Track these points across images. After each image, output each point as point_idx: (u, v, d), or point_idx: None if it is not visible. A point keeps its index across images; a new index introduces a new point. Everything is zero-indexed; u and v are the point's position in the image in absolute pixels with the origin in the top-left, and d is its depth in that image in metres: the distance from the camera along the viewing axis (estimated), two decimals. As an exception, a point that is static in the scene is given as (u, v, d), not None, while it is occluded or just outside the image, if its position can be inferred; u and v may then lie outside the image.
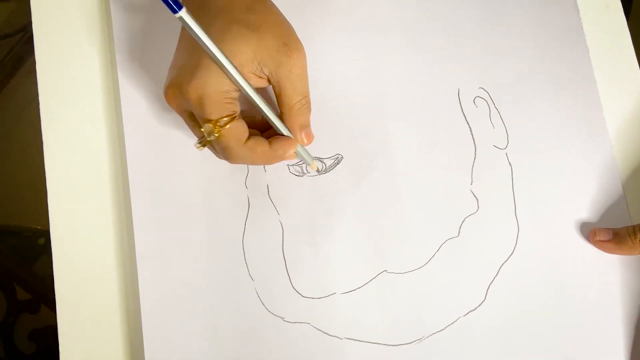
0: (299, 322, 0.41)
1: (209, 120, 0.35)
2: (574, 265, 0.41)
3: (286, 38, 0.36)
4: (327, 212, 0.42)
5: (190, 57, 0.36)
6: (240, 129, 0.36)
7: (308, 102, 0.38)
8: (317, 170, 0.43)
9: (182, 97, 0.36)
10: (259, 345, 0.41)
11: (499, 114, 0.43)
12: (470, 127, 0.43)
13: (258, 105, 0.37)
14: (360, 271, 0.41)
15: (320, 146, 0.43)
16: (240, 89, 0.36)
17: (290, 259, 0.42)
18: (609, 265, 0.41)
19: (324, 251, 0.42)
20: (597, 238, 0.41)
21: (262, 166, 0.43)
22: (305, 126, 0.40)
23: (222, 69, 0.34)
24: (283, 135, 0.39)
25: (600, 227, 0.41)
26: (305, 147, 0.41)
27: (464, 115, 0.43)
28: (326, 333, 0.41)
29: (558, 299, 0.41)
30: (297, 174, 0.43)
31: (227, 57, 0.34)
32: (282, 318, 0.41)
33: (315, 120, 0.43)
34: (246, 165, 0.43)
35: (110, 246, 0.43)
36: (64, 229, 0.43)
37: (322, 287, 0.41)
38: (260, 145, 0.37)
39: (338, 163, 0.43)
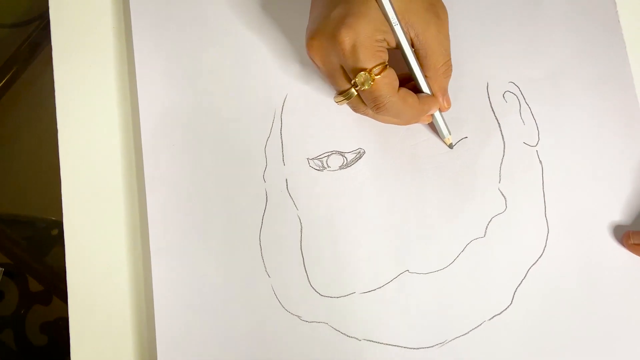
0: (316, 322, 0.39)
1: (363, 69, 0.34)
2: (606, 270, 0.39)
3: None
4: (347, 208, 0.41)
5: (338, 8, 0.35)
6: (392, 77, 0.36)
7: (450, 66, 0.38)
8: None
9: (331, 47, 0.35)
10: (274, 344, 0.39)
11: (530, 109, 0.41)
12: (499, 123, 0.41)
13: (408, 58, 0.36)
14: (381, 270, 0.40)
15: (341, 139, 0.42)
16: (394, 36, 0.35)
17: (308, 256, 0.40)
18: (644, 271, 0.39)
19: (344, 249, 0.40)
20: (632, 241, 0.39)
21: (281, 159, 0.42)
22: (446, 90, 0.39)
23: (383, 14, 0.34)
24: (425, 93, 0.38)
25: (634, 230, 0.39)
26: (443, 116, 0.40)
27: (493, 110, 0.42)
28: (344, 334, 0.39)
29: (588, 305, 0.39)
30: (317, 168, 0.42)
31: (391, 2, 0.34)
32: (298, 317, 0.40)
33: (336, 113, 0.42)
34: (264, 158, 0.42)
35: (124, 239, 0.42)
36: (78, 222, 0.42)
37: (340, 286, 0.40)
38: (411, 96, 0.37)
39: (360, 158, 0.42)
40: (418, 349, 0.39)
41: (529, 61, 0.42)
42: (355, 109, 0.39)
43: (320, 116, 0.42)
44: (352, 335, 0.39)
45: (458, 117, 0.42)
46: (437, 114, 0.40)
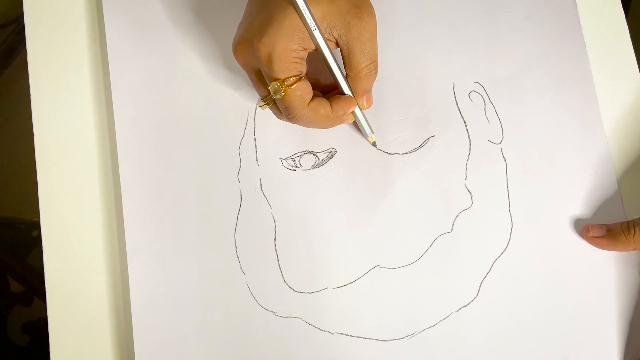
0: (291, 317, 0.41)
1: (276, 79, 0.35)
2: (567, 262, 0.41)
3: (358, 0, 0.36)
4: (319, 206, 0.42)
5: (261, 14, 0.36)
6: (305, 89, 0.36)
7: (376, 67, 0.38)
8: (312, 160, 0.42)
9: (251, 54, 0.36)
10: (250, 339, 0.40)
11: (494, 108, 0.43)
12: (465, 122, 0.43)
13: (327, 61, 0.37)
14: (353, 266, 0.41)
15: (313, 140, 0.43)
16: (313, 41, 0.36)
17: (282, 254, 0.42)
18: (603, 262, 0.41)
19: (316, 246, 0.41)
20: (591, 234, 0.40)
21: (255, 159, 0.43)
22: (367, 90, 0.40)
23: (301, 19, 0.35)
24: (344, 94, 0.39)
25: (593, 223, 0.41)
26: (365, 114, 0.41)
27: (459, 109, 0.43)
28: (318, 328, 0.40)
29: (551, 296, 0.40)
30: (290, 167, 0.43)
31: (308, 7, 0.34)
32: (273, 312, 0.41)
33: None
34: (239, 158, 0.43)
35: (101, 239, 0.43)
36: (55, 222, 0.43)
37: (314, 281, 0.41)
38: (322, 107, 0.38)
39: (332, 157, 0.43)
40: (389, 340, 0.40)
41: (493, 62, 0.43)
42: (276, 115, 0.40)
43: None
44: (326, 329, 0.41)
45: (426, 116, 0.43)
46: (358, 114, 0.40)
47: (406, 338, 0.40)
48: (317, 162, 0.43)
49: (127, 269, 0.41)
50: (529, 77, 0.43)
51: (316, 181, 0.42)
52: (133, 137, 0.43)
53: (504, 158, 0.42)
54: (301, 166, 0.43)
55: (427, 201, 0.42)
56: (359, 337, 0.40)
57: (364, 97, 0.40)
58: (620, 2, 0.45)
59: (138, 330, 0.40)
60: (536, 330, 0.40)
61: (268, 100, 0.37)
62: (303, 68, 0.36)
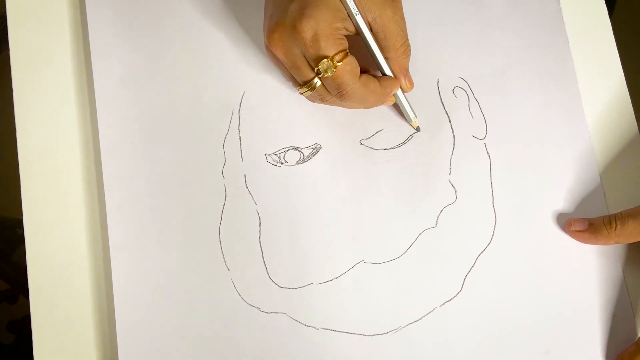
0: (275, 313, 0.41)
1: (325, 56, 0.35)
2: (550, 256, 0.41)
3: None
4: (304, 202, 0.42)
5: (293, 1, 0.36)
6: (354, 63, 0.37)
7: (409, 45, 0.39)
8: (302, 155, 0.42)
9: (292, 39, 0.36)
10: (235, 335, 0.40)
11: (478, 104, 0.43)
12: (449, 117, 0.43)
13: (368, 42, 0.38)
14: (337, 261, 0.41)
15: (298, 135, 0.43)
16: (354, 23, 0.36)
17: (267, 249, 0.42)
18: (586, 256, 0.41)
19: (301, 241, 0.41)
20: (573, 228, 0.41)
21: (240, 155, 0.43)
22: (407, 70, 0.40)
23: (342, 2, 0.36)
24: (388, 75, 0.39)
25: (575, 218, 0.41)
26: (406, 96, 0.41)
27: (443, 105, 0.43)
28: (302, 323, 0.40)
29: (534, 290, 0.41)
30: (275, 163, 0.43)
31: None
32: (258, 308, 0.41)
33: (293, 110, 0.43)
34: (223, 154, 0.43)
35: (84, 236, 0.43)
36: (38, 220, 0.43)
37: (298, 277, 0.41)
38: (372, 81, 0.38)
39: (316, 153, 0.43)
40: (373, 335, 0.40)
41: (476, 58, 0.43)
42: (321, 98, 0.40)
43: (278, 113, 0.43)
44: (310, 325, 0.41)
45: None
46: (401, 97, 0.41)
47: (391, 333, 0.40)
48: (302, 157, 0.43)
49: (110, 266, 0.41)
50: (512, 73, 0.43)
51: (301, 177, 0.42)
52: (116, 134, 0.43)
53: (488, 153, 0.42)
54: (286, 162, 0.43)
55: (411, 196, 0.42)
56: (343, 332, 0.40)
57: (405, 77, 0.40)
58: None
59: (121, 327, 0.40)
60: (519, 324, 0.40)
61: (312, 84, 0.37)
62: (347, 44, 0.37)
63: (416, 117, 0.42)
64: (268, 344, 0.40)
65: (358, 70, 0.37)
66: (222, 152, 0.43)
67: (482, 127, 0.43)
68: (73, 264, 0.42)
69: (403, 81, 0.40)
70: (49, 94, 0.44)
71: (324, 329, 0.41)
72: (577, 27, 0.44)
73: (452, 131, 0.43)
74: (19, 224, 0.57)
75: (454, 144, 0.43)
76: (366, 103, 0.40)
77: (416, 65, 0.43)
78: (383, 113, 0.43)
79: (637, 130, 0.43)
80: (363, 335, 0.40)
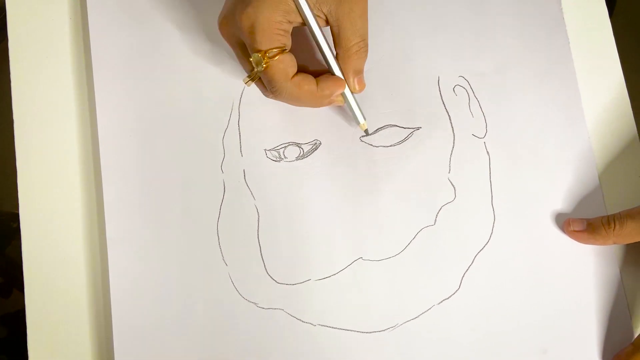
0: (273, 308, 0.41)
1: (259, 50, 0.35)
2: (548, 256, 0.41)
3: None
4: (303, 198, 0.42)
5: None
6: (288, 62, 0.36)
7: (366, 46, 0.37)
8: (299, 149, 0.42)
9: (235, 26, 0.36)
10: (232, 330, 0.40)
11: (479, 103, 0.43)
12: (449, 116, 0.43)
13: (315, 36, 0.36)
14: (336, 258, 0.41)
15: (298, 131, 0.43)
16: (300, 13, 0.35)
17: (265, 245, 0.41)
18: (584, 256, 0.41)
19: (300, 237, 0.41)
20: (572, 228, 0.41)
21: (239, 150, 0.43)
22: (359, 72, 0.38)
23: None
24: (334, 75, 0.38)
25: (574, 218, 0.41)
26: (356, 98, 0.40)
27: (444, 103, 0.43)
28: (300, 319, 0.40)
29: (532, 289, 0.41)
30: (274, 159, 0.42)
31: None
32: (255, 304, 0.41)
33: (293, 105, 0.43)
34: (222, 149, 0.43)
35: (80, 230, 0.42)
36: (34, 212, 0.42)
37: (296, 273, 0.41)
38: (307, 83, 0.37)
39: (316, 149, 0.43)
40: (371, 332, 0.40)
41: (477, 56, 0.43)
42: (263, 92, 0.39)
43: (278, 108, 0.43)
44: (307, 321, 0.40)
45: (412, 109, 0.43)
46: (349, 97, 0.39)
47: (388, 330, 0.40)
48: (302, 153, 0.42)
49: (107, 260, 0.41)
50: (513, 73, 0.43)
51: (300, 173, 0.42)
52: (115, 127, 0.43)
53: (487, 152, 0.42)
54: (285, 157, 0.42)
55: (410, 194, 0.42)
56: (341, 328, 0.40)
57: (355, 79, 0.39)
58: (604, 0, 0.45)
59: (118, 322, 0.40)
60: (516, 323, 0.40)
61: (253, 75, 0.36)
62: (287, 41, 0.36)
63: (364, 120, 0.41)
64: (265, 339, 0.40)
65: (293, 69, 0.36)
66: (222, 147, 0.43)
67: (482, 126, 0.43)
68: (69, 257, 0.42)
69: (352, 82, 0.38)
70: (47, 87, 0.44)
71: (322, 325, 0.40)
72: (578, 28, 0.44)
73: (452, 129, 0.43)
74: (13, 217, 0.57)
75: (453, 142, 0.43)
76: (303, 103, 0.39)
77: (417, 63, 0.43)
78: (384, 110, 0.43)
79: (636, 131, 0.43)
80: (360, 332, 0.40)
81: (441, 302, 0.41)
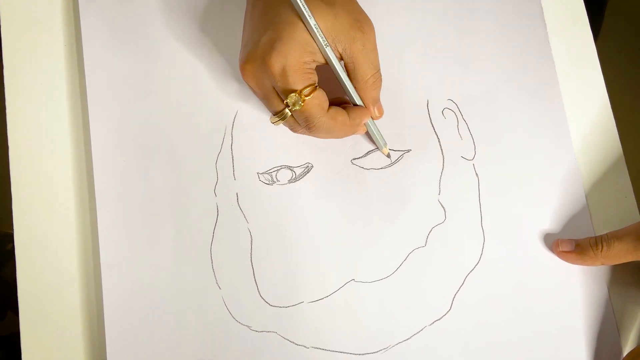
0: (266, 331, 0.41)
1: (293, 90, 0.36)
2: (538, 276, 0.42)
3: (357, 14, 0.38)
4: (296, 221, 0.42)
5: (268, 31, 0.36)
6: (322, 97, 0.37)
7: (380, 76, 0.39)
8: (290, 173, 0.43)
9: (262, 71, 0.37)
10: (225, 354, 0.40)
11: (467, 125, 0.44)
12: (439, 138, 0.44)
13: (338, 73, 0.38)
14: (328, 280, 0.41)
15: (290, 154, 0.43)
16: (324, 54, 0.37)
17: (258, 268, 0.42)
18: (572, 276, 0.42)
19: (292, 260, 0.42)
20: (560, 249, 0.41)
21: (232, 174, 0.43)
22: (377, 100, 0.41)
23: (311, 35, 0.36)
24: (357, 105, 0.40)
25: (563, 238, 0.42)
26: (377, 125, 0.42)
27: (433, 126, 0.44)
28: (293, 342, 0.41)
29: (522, 309, 0.41)
30: (267, 182, 0.43)
31: (317, 25, 0.36)
32: (248, 327, 0.41)
33: (285, 129, 0.43)
34: (216, 173, 0.43)
35: (75, 253, 0.43)
36: (29, 235, 0.43)
37: (289, 296, 0.41)
38: (340, 114, 0.39)
39: (308, 172, 0.43)
40: (363, 354, 0.41)
41: (465, 80, 0.44)
42: (292, 128, 0.40)
43: (270, 132, 0.44)
44: (301, 344, 0.41)
45: (401, 132, 0.44)
46: (371, 125, 0.41)
47: (380, 352, 0.41)
48: (294, 176, 0.43)
49: (101, 283, 0.41)
50: (500, 95, 0.44)
51: (292, 196, 0.43)
52: (109, 150, 0.43)
53: (477, 174, 0.43)
54: (278, 181, 0.43)
55: (401, 216, 0.42)
56: (333, 351, 0.41)
57: (375, 107, 0.41)
58: (588, 23, 0.46)
59: (112, 346, 0.40)
60: (507, 343, 0.41)
61: (282, 115, 0.38)
62: (316, 78, 0.37)
63: (386, 145, 0.43)
64: (258, 362, 0.40)
65: (326, 103, 0.38)
66: (215, 171, 0.43)
67: (470, 148, 0.43)
68: (64, 281, 0.42)
69: (372, 110, 0.41)
70: (41, 110, 0.45)
71: (315, 347, 0.41)
72: (563, 51, 0.45)
73: (442, 152, 0.43)
74: (8, 238, 0.57)
75: (443, 165, 0.43)
76: (335, 135, 0.40)
77: (406, 86, 0.44)
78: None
79: (622, 151, 0.44)
80: (353, 354, 0.41)
81: (433, 322, 0.41)
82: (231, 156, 0.43)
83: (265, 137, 0.44)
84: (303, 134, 0.40)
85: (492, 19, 0.45)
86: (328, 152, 0.43)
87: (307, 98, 0.36)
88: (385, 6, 0.45)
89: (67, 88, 0.45)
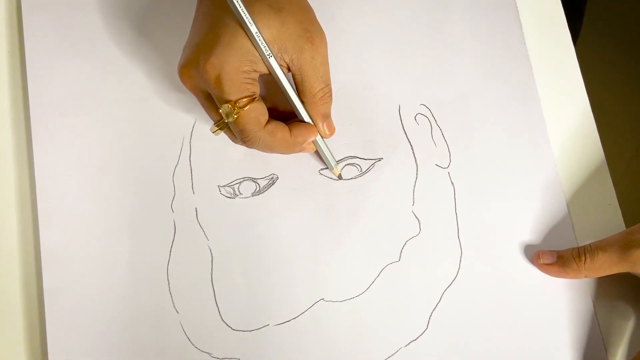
0: (229, 358, 0.38)
1: (228, 101, 0.33)
2: (518, 291, 0.39)
3: (308, 23, 0.35)
4: (260, 237, 0.39)
5: (208, 35, 0.34)
6: (259, 110, 0.34)
7: (330, 91, 0.37)
8: (256, 186, 0.40)
9: (199, 76, 0.34)
10: (184, 384, 0.37)
11: (441, 131, 0.41)
12: (411, 145, 0.41)
13: (282, 85, 0.35)
14: (295, 300, 0.39)
15: (253, 165, 0.40)
16: (268, 67, 0.34)
17: (219, 289, 0.39)
18: (555, 289, 0.39)
19: (256, 280, 0.39)
20: (541, 261, 0.39)
21: (190, 187, 0.40)
22: (327, 116, 0.38)
23: (252, 42, 0.33)
24: (304, 121, 0.37)
25: (544, 250, 0.39)
26: (326, 143, 0.39)
27: (405, 133, 0.41)
28: (258, 369, 0.38)
29: (502, 325, 0.39)
30: (229, 195, 0.40)
31: (259, 30, 0.33)
32: (209, 354, 0.38)
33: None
34: (172, 186, 0.40)
35: (17, 281, 0.39)
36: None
37: (254, 318, 0.38)
38: (280, 130, 0.36)
39: (273, 184, 0.40)
40: (335, 380, 0.38)
41: (439, 84, 0.42)
42: (232, 139, 0.38)
43: (231, 142, 0.41)
44: (267, 370, 0.38)
45: (372, 139, 0.41)
46: (320, 143, 0.39)
47: (353, 377, 0.38)
48: (258, 189, 0.40)
49: (44, 312, 0.38)
50: (475, 100, 0.42)
51: (256, 210, 0.40)
52: (53, 167, 0.40)
53: (452, 182, 0.41)
54: (240, 194, 0.40)
55: (373, 229, 0.40)
56: (302, 377, 0.38)
57: (324, 123, 0.38)
58: (565, 24, 0.44)
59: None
60: (488, 362, 0.38)
61: (221, 124, 0.35)
62: (256, 89, 0.34)
63: (337, 165, 0.40)
64: (220, 392, 0.37)
65: (264, 117, 0.35)
66: (172, 184, 0.40)
67: (445, 156, 0.41)
68: (5, 309, 0.39)
69: (321, 127, 0.38)
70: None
71: (281, 374, 0.38)
72: (541, 54, 0.43)
73: (415, 160, 0.41)
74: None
75: (416, 174, 0.41)
76: (276, 151, 0.38)
77: (376, 91, 0.42)
78: (344, 141, 0.41)
79: (604, 157, 0.42)
80: (323, 380, 0.38)
81: (408, 344, 0.38)
82: (189, 168, 0.40)
83: (226, 148, 0.41)
84: (243, 146, 0.37)
85: (467, 20, 0.43)
86: (294, 163, 0.41)
87: (242, 110, 0.33)
88: (355, 8, 0.43)
89: (10, 97, 0.42)
